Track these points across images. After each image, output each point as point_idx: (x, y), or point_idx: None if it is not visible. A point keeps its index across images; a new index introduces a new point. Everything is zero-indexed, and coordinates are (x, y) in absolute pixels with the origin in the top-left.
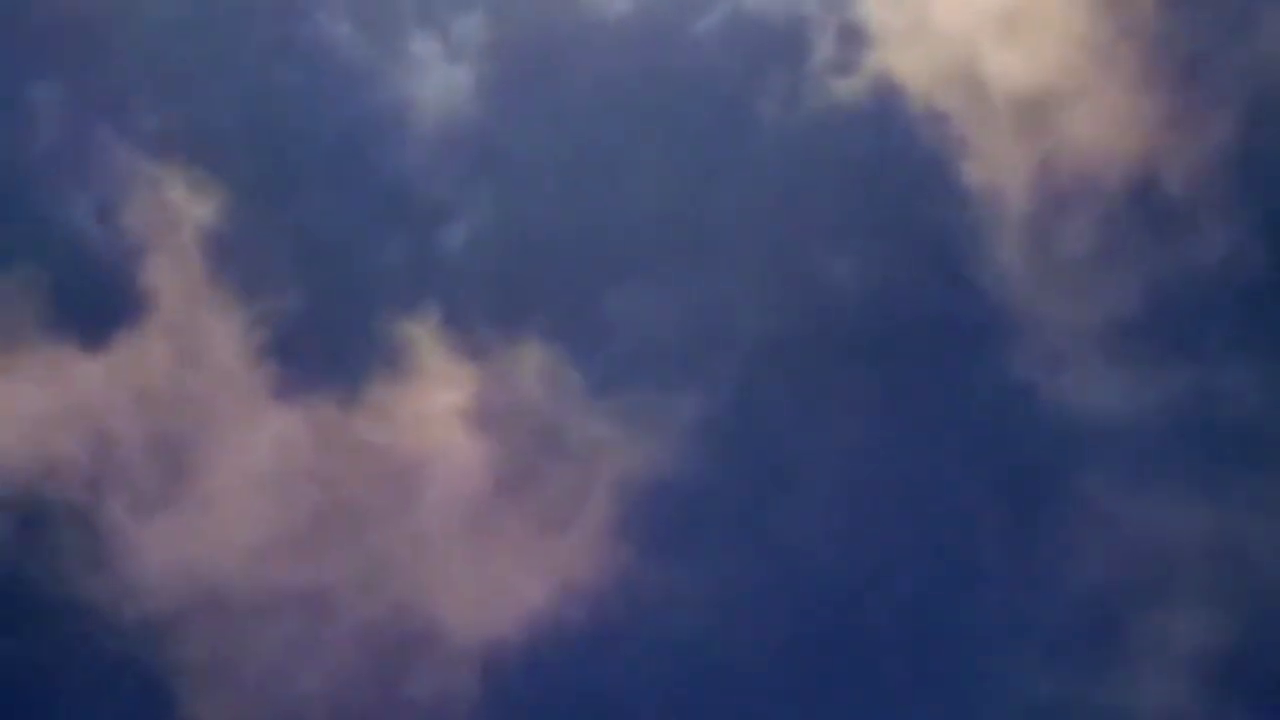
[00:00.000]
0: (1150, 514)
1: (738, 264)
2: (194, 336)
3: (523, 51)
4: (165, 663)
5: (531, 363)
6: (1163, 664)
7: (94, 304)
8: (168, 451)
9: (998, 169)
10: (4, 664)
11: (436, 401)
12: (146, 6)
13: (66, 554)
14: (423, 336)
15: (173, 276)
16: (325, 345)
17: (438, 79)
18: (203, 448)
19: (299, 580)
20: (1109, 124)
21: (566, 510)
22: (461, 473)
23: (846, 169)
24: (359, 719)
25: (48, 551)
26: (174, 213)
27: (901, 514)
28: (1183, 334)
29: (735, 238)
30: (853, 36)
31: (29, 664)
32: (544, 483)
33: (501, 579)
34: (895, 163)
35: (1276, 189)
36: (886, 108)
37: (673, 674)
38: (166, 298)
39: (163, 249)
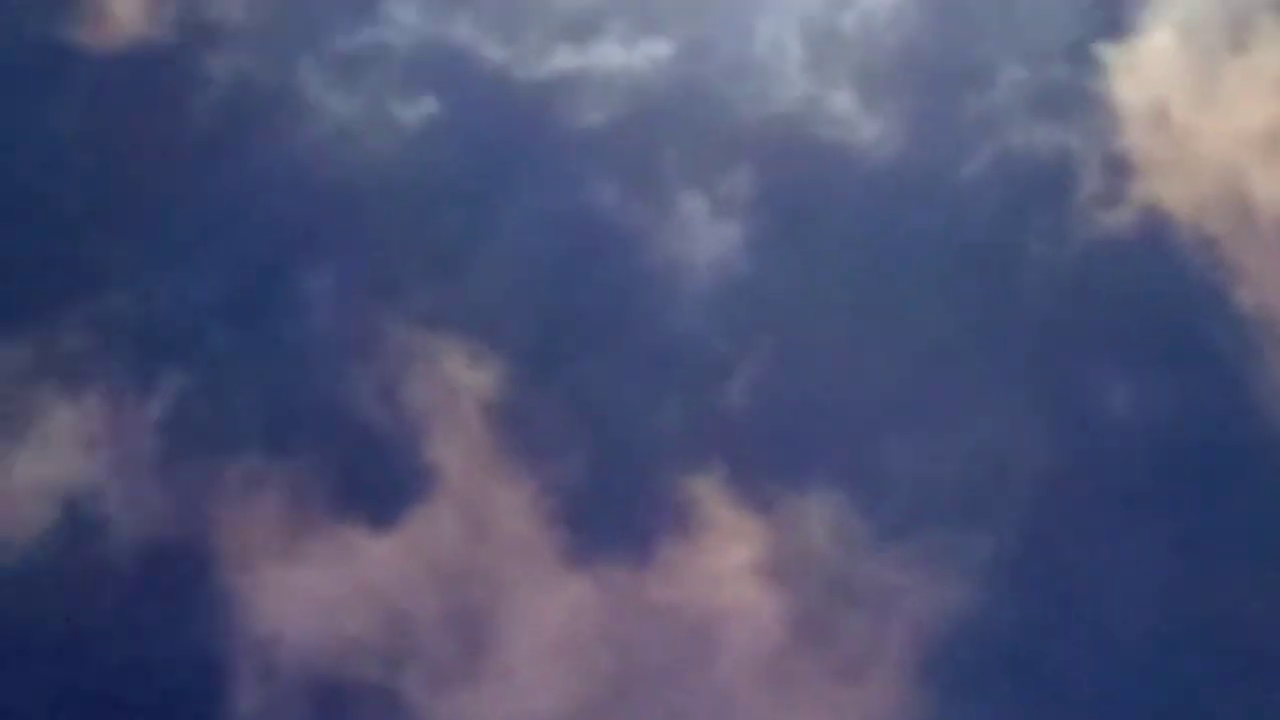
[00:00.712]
0: None
1: (1014, 402)
2: (482, 508)
3: (790, 203)
4: None
5: (818, 512)
6: None
7: (381, 483)
8: (463, 625)
9: (1272, 292)
10: None
11: (726, 557)
12: (411, 186)
13: None
14: (708, 493)
15: (457, 450)
16: (612, 508)
17: (707, 236)
18: (497, 619)
19: None
20: None
21: (863, 658)
22: (756, 627)
23: (1118, 301)
24: None
25: None
26: (454, 386)
27: (1199, 652)
28: None
29: (1010, 376)
30: (1118, 168)
31: None
32: (839, 632)
33: None
34: (1167, 291)
35: None
36: (1155, 237)
37: None
38: (452, 471)
39: (445, 423)
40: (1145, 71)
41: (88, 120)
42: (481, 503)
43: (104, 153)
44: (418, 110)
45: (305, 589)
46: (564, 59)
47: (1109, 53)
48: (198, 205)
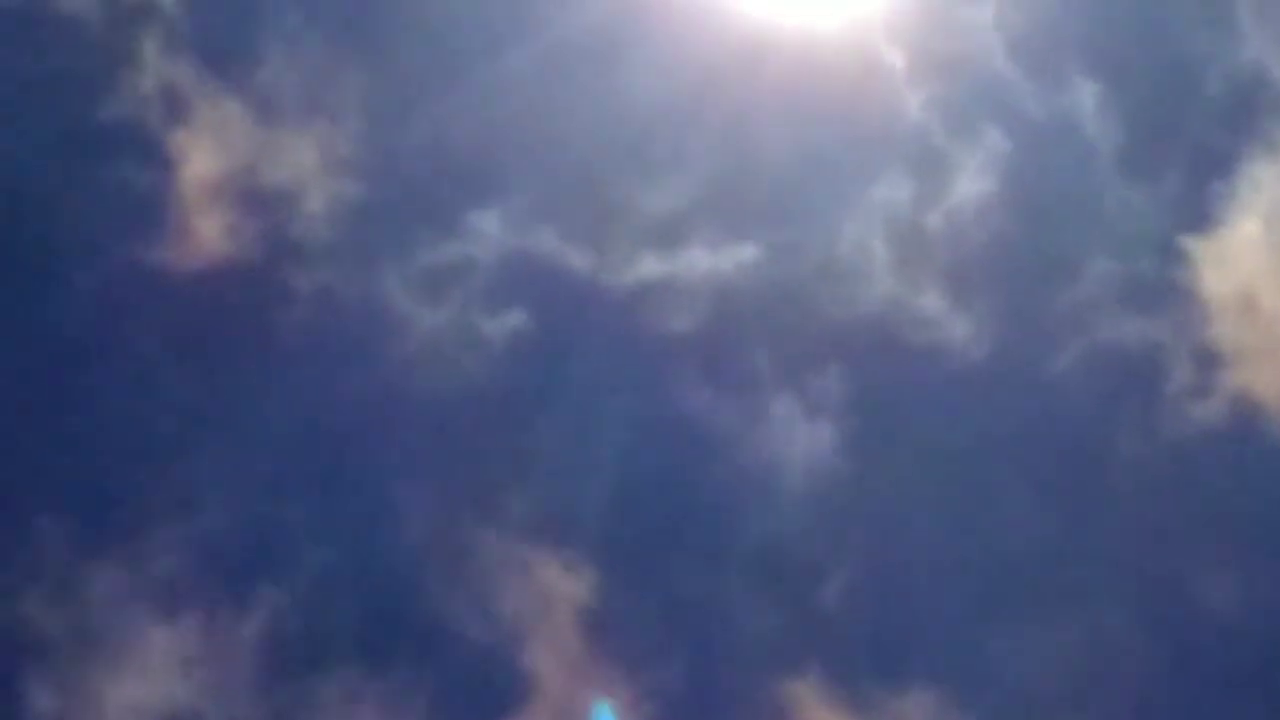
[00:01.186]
0: None
1: (1113, 598)
2: (579, 717)
3: (882, 404)
4: None
5: (919, 711)
6: None
7: (478, 694)
8: None
9: None
10: None
11: None
12: (501, 398)
13: None
14: (806, 695)
15: (553, 659)
16: (709, 714)
17: (800, 437)
18: None
19: None
20: None
21: None
22: None
23: (1213, 494)
24: None
25: None
26: (549, 594)
27: None
28: None
29: (1107, 572)
30: (1208, 359)
31: None
32: None
33: None
34: (1262, 483)
35: None
36: (1247, 428)
37: None
38: (549, 681)
39: (541, 632)
40: (1232, 262)
41: (174, 341)
42: (578, 711)
43: (192, 373)
44: (504, 322)
45: None
46: (650, 265)
47: (1195, 244)
48: (287, 423)
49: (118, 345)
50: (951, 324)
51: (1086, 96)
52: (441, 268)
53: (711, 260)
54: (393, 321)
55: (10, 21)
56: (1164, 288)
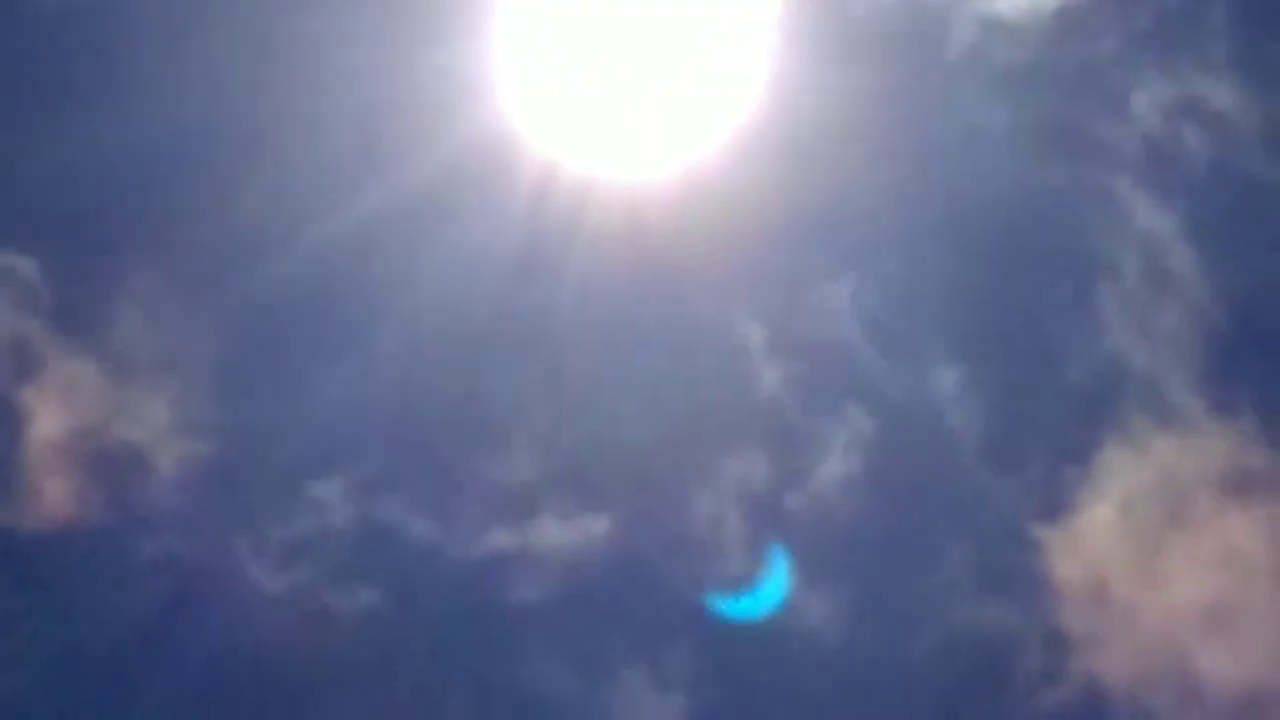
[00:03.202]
0: None
1: None
2: None
3: (735, 680)
4: None
5: None
6: None
7: None
8: None
9: None
10: None
11: None
12: (353, 670)
13: None
14: None
15: None
16: None
17: (649, 711)
18: None
19: None
20: None
21: None
22: None
23: None
24: None
25: None
26: None
27: None
28: None
29: None
30: (1058, 645)
31: None
32: None
33: None
34: None
35: None
36: (1095, 713)
37: None
38: None
39: None
40: (1085, 548)
41: (19, 601)
42: None
43: (41, 637)
44: (355, 596)
45: None
46: (501, 537)
47: (1049, 531)
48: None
49: None
50: (807, 605)
51: (947, 381)
52: (291, 539)
53: (561, 532)
54: (242, 591)
55: None
56: (1018, 573)
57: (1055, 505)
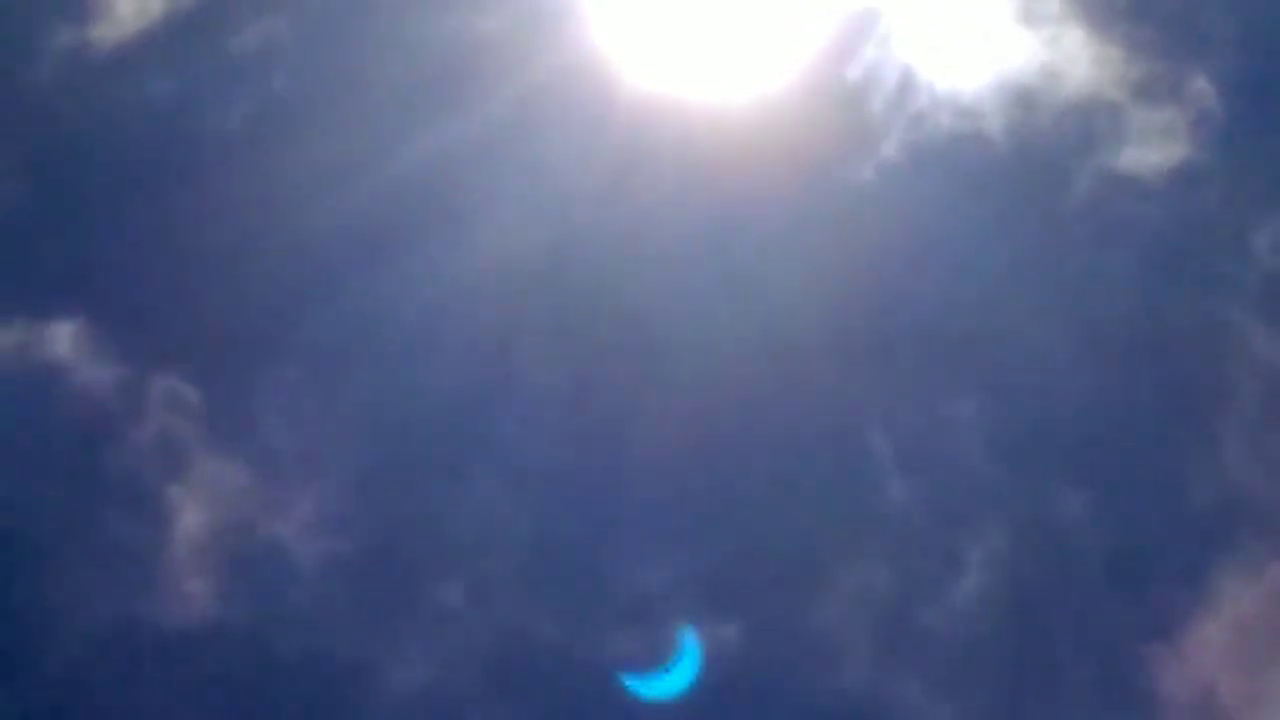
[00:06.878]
0: None
1: None
2: None
3: None
4: None
5: None
6: None
7: None
8: None
9: None
10: None
11: None
12: None
13: None
14: None
15: None
16: None
17: None
18: None
19: None
20: None
21: None
22: None
23: None
24: None
25: None
26: None
27: None
28: None
29: None
30: None
31: None
32: None
33: None
34: None
35: None
36: None
37: None
38: None
39: None
40: (1200, 668)
41: (164, 697)
42: None
43: None
44: (483, 694)
45: None
46: (630, 642)
47: (1166, 650)
48: None
49: None
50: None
51: (1073, 504)
52: None
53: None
54: None
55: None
56: (1138, 693)
57: (1172, 625)
